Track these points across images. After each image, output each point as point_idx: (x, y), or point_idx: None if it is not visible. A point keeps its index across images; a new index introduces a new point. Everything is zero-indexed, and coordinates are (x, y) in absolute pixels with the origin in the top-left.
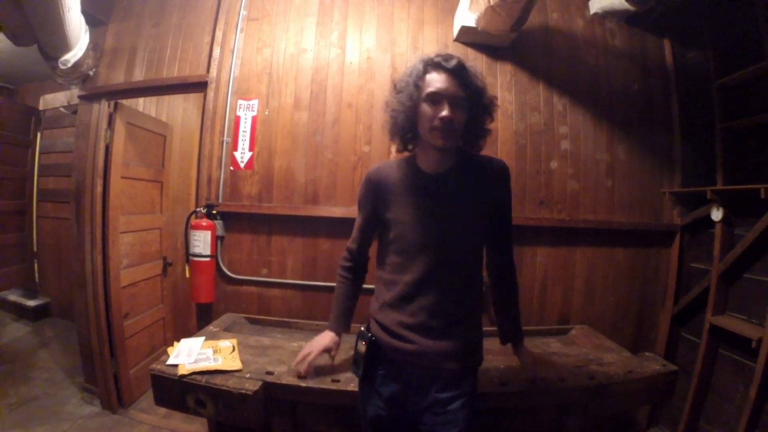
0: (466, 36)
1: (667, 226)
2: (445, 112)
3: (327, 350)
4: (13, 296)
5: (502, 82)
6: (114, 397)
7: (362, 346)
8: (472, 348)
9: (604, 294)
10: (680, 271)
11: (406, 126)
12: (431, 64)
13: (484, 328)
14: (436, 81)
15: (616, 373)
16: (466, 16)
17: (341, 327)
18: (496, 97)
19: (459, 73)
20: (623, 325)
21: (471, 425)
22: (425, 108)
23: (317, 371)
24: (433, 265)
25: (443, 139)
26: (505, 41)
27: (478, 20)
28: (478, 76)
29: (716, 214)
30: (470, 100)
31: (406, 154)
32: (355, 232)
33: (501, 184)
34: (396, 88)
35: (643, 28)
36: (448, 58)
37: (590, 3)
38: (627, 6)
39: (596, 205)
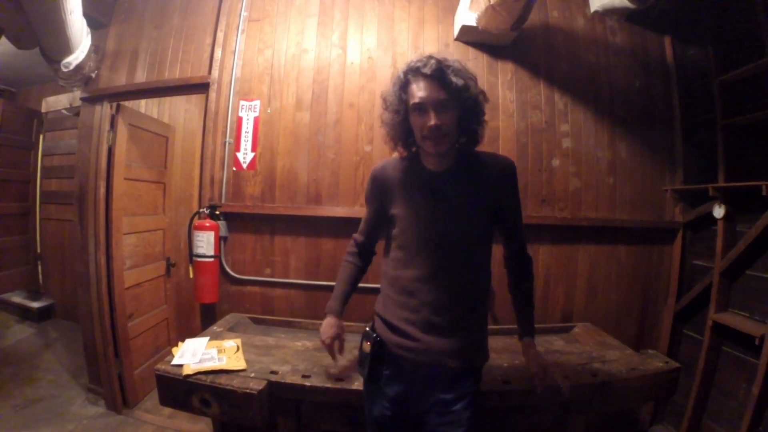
0: (467, 35)
1: (669, 223)
2: (431, 121)
3: (338, 337)
4: (17, 298)
5: (503, 81)
6: (119, 397)
7: (367, 346)
8: (476, 346)
9: (606, 292)
10: (682, 268)
11: (403, 136)
12: (411, 72)
13: (489, 327)
14: (418, 90)
15: (619, 371)
16: (467, 15)
17: (338, 308)
18: (483, 92)
19: (439, 75)
20: (626, 323)
21: (475, 425)
22: (414, 119)
23: (321, 361)
24: (435, 261)
25: (435, 146)
26: (505, 40)
27: (479, 19)
28: (461, 72)
29: (718, 211)
30: (455, 99)
31: None
32: (362, 225)
33: (505, 181)
34: (385, 103)
35: (644, 26)
36: (426, 62)
37: (590, 1)
38: (627, 3)
39: (598, 202)
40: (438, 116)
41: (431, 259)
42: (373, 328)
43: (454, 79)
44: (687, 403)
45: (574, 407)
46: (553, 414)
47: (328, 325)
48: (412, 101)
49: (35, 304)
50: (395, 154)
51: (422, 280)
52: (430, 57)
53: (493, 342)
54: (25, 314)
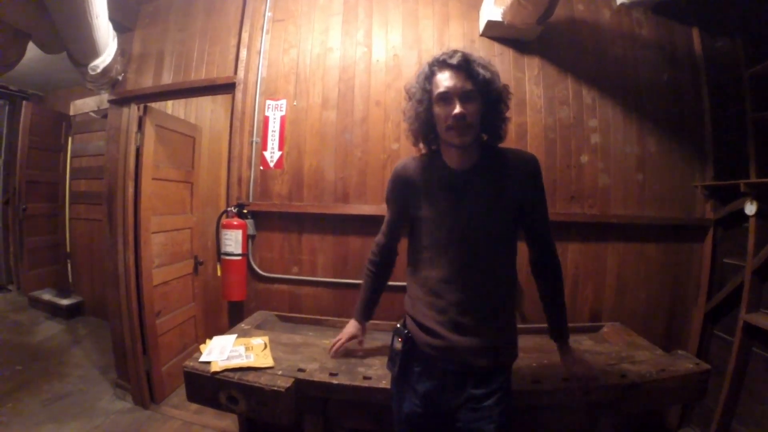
0: (492, 30)
1: (700, 220)
2: (456, 110)
3: (354, 337)
4: (47, 295)
5: (530, 77)
6: (146, 393)
7: (398, 343)
8: (503, 345)
9: (635, 290)
10: (713, 266)
11: (425, 129)
12: (437, 64)
13: (518, 326)
14: (443, 80)
15: (648, 372)
16: (492, 10)
17: (363, 317)
18: (507, 85)
19: (464, 66)
20: (655, 323)
21: (507, 420)
22: (438, 109)
23: (349, 359)
24: (460, 261)
25: (459, 137)
26: (531, 35)
27: (504, 14)
28: (486, 66)
29: (750, 208)
30: (480, 91)
31: None
32: (384, 226)
33: (530, 178)
34: (408, 95)
35: (671, 17)
36: (452, 54)
37: None
38: None
39: (627, 199)
40: (463, 105)
41: (456, 259)
42: (404, 325)
43: (480, 71)
44: (716, 406)
45: (602, 408)
46: (582, 414)
47: (349, 325)
48: (437, 91)
49: (65, 302)
50: (415, 152)
51: (448, 281)
52: (456, 51)
53: (523, 341)
54: (54, 311)
